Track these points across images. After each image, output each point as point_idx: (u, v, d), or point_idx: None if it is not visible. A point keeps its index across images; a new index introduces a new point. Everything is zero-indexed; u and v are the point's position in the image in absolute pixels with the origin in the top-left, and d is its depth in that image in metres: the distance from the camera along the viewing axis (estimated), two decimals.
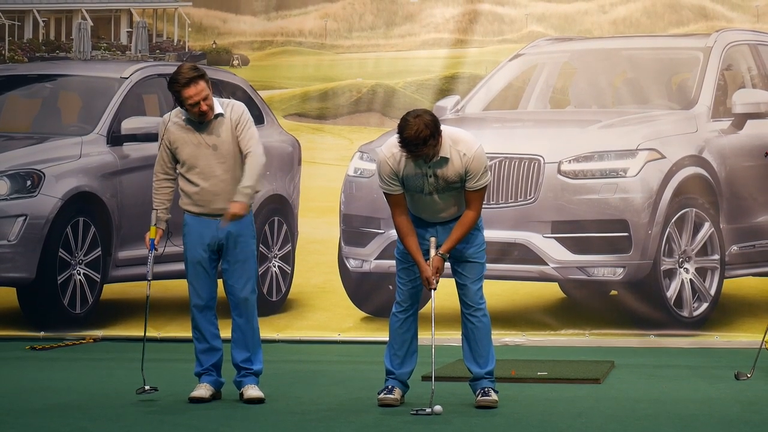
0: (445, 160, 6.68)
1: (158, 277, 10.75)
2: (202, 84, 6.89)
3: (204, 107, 6.89)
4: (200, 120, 6.96)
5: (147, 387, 7.21)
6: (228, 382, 7.28)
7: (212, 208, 7.05)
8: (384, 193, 6.84)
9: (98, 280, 10.58)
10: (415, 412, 6.65)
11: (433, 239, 6.81)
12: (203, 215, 7.08)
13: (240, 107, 7.07)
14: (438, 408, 6.64)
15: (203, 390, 7.15)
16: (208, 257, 7.12)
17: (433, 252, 6.79)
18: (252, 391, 7.12)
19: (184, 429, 6.42)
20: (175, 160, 7.08)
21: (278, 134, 11.03)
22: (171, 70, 10.86)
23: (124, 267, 10.61)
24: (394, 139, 6.64)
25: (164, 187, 7.15)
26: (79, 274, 10.48)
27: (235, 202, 6.92)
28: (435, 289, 6.79)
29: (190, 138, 7.01)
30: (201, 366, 7.21)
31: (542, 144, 10.14)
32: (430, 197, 6.79)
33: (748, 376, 8.04)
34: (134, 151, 10.64)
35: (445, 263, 6.85)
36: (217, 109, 7.00)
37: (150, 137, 10.66)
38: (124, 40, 11.39)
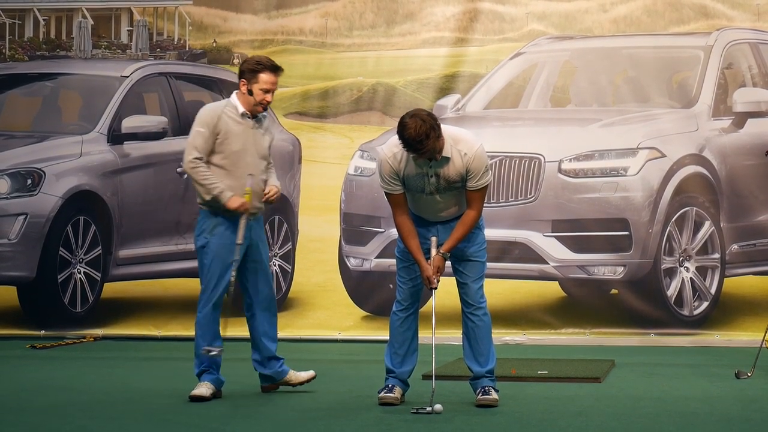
0: (446, 160, 6.68)
1: (158, 276, 10.83)
2: (277, 78, 7.09)
3: (269, 99, 7.08)
4: (256, 110, 7.10)
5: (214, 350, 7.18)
6: (231, 381, 7.28)
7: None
8: (385, 192, 6.84)
9: (99, 278, 10.57)
10: (415, 411, 6.65)
11: (434, 239, 6.81)
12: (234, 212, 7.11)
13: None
14: (438, 407, 6.64)
15: (204, 388, 7.16)
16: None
17: (434, 251, 6.79)
18: (302, 373, 7.38)
19: (184, 428, 6.42)
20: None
21: (279, 133, 11.01)
22: (171, 68, 11.04)
23: (125, 266, 10.61)
24: (395, 139, 6.65)
25: (210, 170, 7.14)
26: (80, 273, 10.47)
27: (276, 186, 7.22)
28: (436, 288, 6.80)
29: (242, 132, 7.10)
30: (202, 364, 7.22)
31: (543, 143, 10.14)
32: (431, 197, 6.79)
33: (749, 374, 8.04)
34: (135, 149, 10.64)
35: (446, 262, 6.86)
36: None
37: (150, 136, 10.68)
38: (124, 38, 11.39)
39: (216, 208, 7.12)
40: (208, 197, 7.09)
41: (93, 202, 10.45)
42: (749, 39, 10.39)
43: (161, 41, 11.33)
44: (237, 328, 10.55)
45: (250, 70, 7.07)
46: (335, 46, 11.00)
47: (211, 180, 7.08)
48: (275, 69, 7.07)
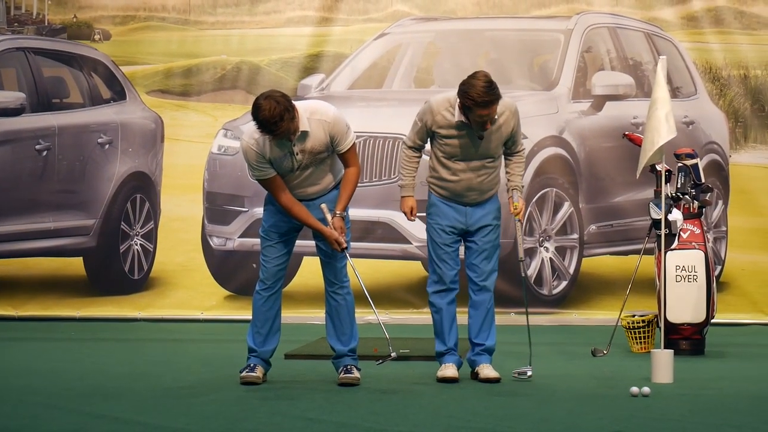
0: (305, 134, 6.70)
1: (15, 255, 10.62)
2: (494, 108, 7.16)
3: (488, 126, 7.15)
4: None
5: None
6: (92, 361, 7.18)
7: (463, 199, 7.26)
8: (260, 181, 6.81)
9: None
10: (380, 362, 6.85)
11: (323, 206, 6.83)
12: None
13: None
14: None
15: (451, 370, 7.15)
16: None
17: (329, 216, 6.81)
18: (488, 370, 7.16)
19: (41, 408, 6.30)
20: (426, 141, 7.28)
21: (141, 111, 10.89)
22: (30, 43, 10.81)
23: None
24: (252, 125, 6.64)
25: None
26: None
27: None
28: (347, 249, 6.81)
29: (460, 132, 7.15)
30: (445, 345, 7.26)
31: (406, 123, 10.14)
32: (301, 173, 6.80)
33: (605, 352, 8.22)
34: None
35: (313, 240, 6.88)
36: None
37: (8, 112, 10.46)
38: None
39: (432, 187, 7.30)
40: None
41: None
42: (608, 23, 10.59)
43: (19, 15, 11.09)
44: (96, 309, 10.46)
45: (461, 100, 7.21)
46: (198, 23, 10.90)
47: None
48: (487, 104, 7.22)
